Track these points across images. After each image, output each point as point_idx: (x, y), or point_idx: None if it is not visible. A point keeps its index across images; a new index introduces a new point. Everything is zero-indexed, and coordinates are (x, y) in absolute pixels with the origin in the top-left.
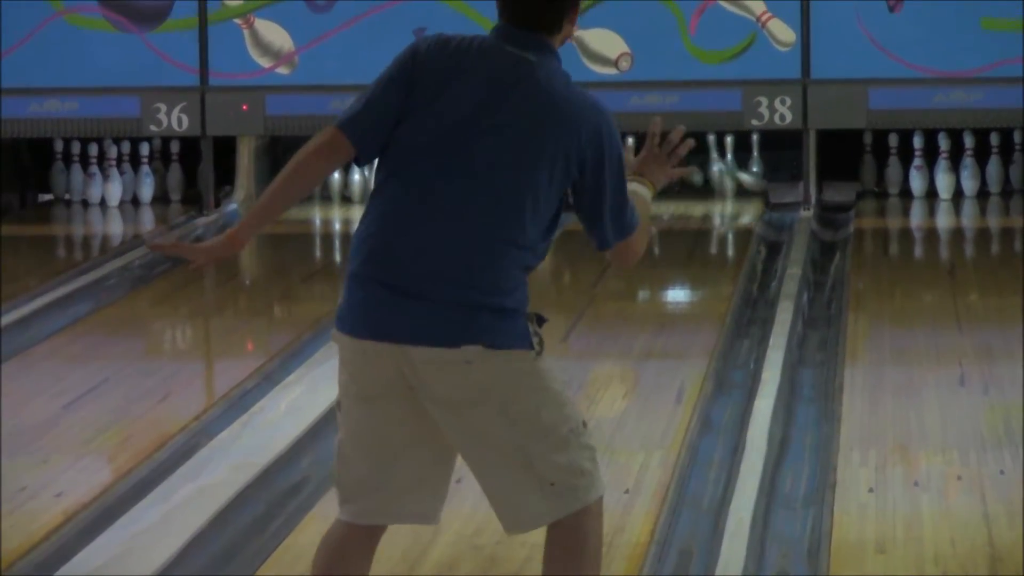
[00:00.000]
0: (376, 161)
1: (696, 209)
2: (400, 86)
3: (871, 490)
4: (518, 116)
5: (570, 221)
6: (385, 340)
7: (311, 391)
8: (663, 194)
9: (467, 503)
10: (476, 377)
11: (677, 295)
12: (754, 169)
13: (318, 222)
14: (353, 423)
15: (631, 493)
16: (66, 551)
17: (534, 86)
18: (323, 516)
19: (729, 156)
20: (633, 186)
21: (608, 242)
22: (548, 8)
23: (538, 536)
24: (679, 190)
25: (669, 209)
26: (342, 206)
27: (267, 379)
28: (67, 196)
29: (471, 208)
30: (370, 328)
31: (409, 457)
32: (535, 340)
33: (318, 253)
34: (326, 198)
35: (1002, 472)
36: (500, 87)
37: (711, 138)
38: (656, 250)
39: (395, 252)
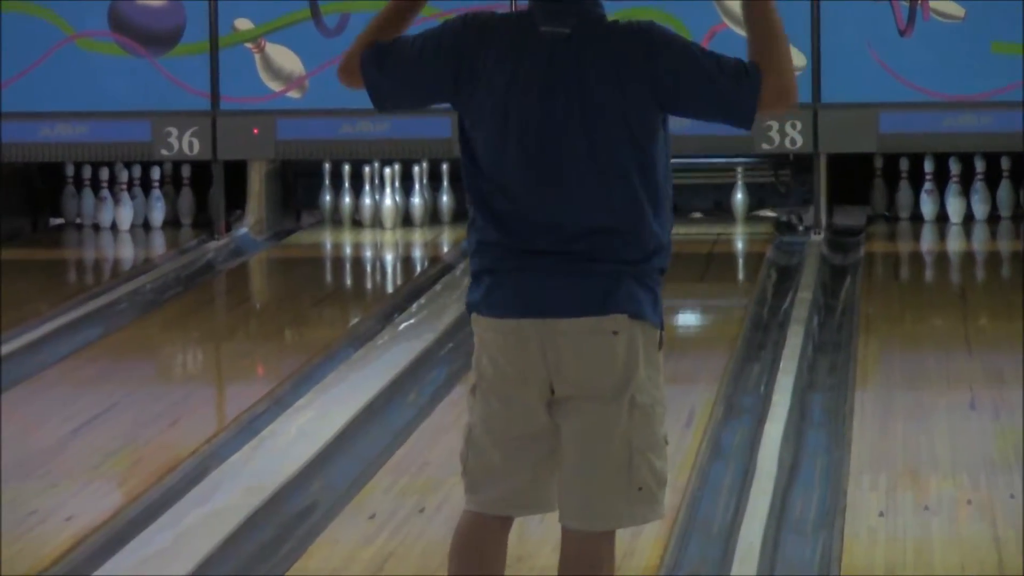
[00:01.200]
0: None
1: (708, 232)
2: (439, 67)
3: (881, 514)
4: (575, 93)
5: None
6: (533, 316)
7: (321, 415)
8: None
9: None
10: (620, 352)
11: (688, 319)
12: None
13: (329, 246)
14: (487, 408)
15: None
16: (76, 575)
17: (575, 56)
18: (333, 540)
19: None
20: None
21: (743, 123)
22: None
23: (547, 560)
24: (702, 216)
25: (680, 231)
26: (352, 230)
27: (277, 403)
28: (78, 220)
29: (573, 193)
30: (517, 307)
31: (538, 446)
32: (663, 322)
33: (329, 277)
34: (337, 222)
35: (1012, 496)
36: (546, 73)
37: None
38: (677, 280)
39: (522, 244)
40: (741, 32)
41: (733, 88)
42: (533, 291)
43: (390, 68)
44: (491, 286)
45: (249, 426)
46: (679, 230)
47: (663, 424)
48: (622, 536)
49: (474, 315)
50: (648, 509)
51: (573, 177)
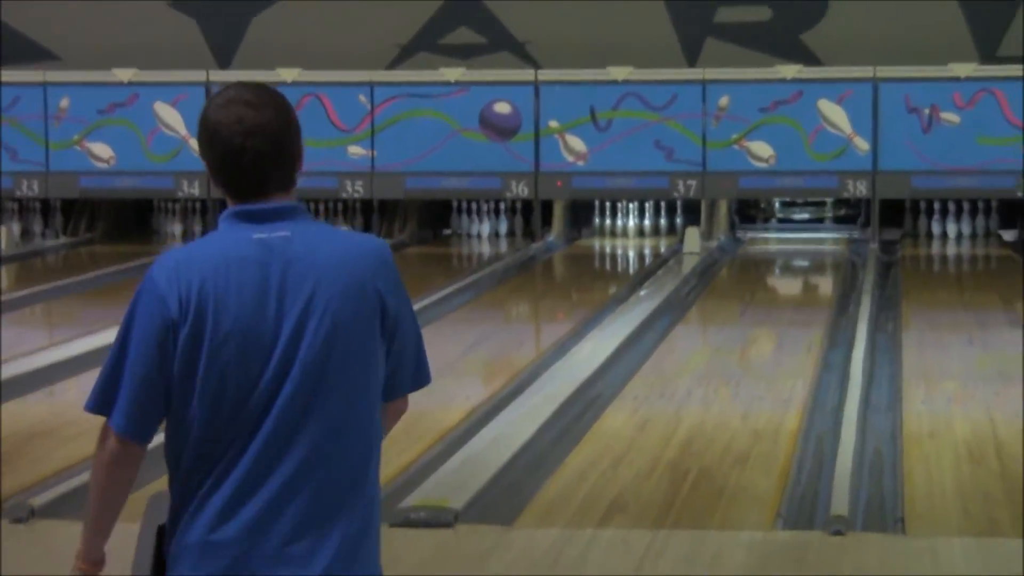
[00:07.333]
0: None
1: (812, 244)
2: (161, 349)
3: (923, 403)
4: (302, 315)
5: (745, 243)
6: None
7: (599, 343)
8: (802, 225)
9: (672, 420)
10: None
11: (807, 291)
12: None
13: (596, 248)
14: None
15: (786, 402)
16: (472, 431)
17: (301, 267)
18: (605, 425)
19: (829, 211)
20: None
21: (404, 386)
22: (277, 169)
23: (714, 424)
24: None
25: (797, 243)
26: (604, 239)
27: (573, 336)
28: (458, 231)
29: (311, 456)
30: None
31: None
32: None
33: (596, 265)
34: (600, 235)
35: (997, 393)
36: (270, 293)
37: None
38: (794, 268)
39: (254, 540)
40: (832, 130)
41: (414, 367)
42: None
43: (143, 408)
44: None
45: (559, 348)
46: (805, 241)
47: None
48: (777, 413)
49: None
50: None
51: (306, 433)
